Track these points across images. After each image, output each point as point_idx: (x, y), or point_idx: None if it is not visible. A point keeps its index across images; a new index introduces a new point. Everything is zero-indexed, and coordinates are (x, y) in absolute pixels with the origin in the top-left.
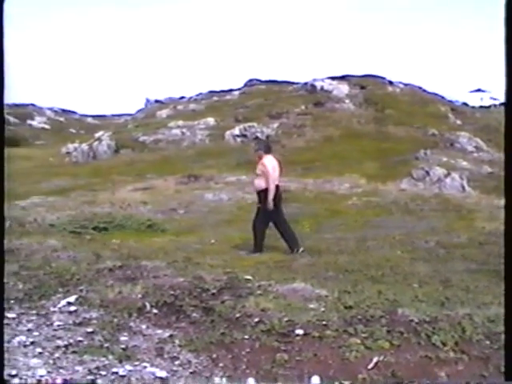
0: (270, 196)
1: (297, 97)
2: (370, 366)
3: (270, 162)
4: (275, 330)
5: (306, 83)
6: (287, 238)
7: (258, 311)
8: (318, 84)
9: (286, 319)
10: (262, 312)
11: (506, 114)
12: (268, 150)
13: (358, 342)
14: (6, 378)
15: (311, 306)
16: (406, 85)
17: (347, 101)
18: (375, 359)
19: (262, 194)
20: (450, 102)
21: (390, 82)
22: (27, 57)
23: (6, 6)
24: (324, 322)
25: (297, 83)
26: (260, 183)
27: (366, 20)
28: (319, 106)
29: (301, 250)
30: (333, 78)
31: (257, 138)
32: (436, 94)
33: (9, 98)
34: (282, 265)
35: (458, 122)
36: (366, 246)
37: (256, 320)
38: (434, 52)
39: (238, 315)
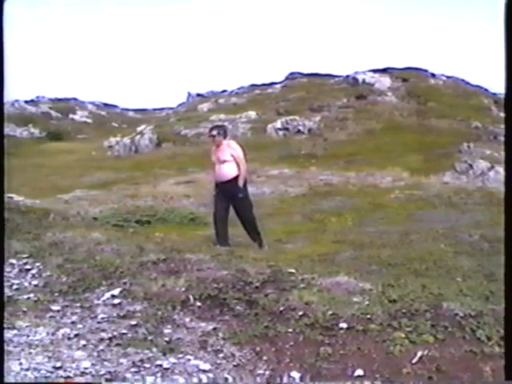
0: (241, 181)
1: (339, 90)
2: (414, 361)
3: (240, 147)
4: (319, 323)
5: (347, 76)
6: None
7: (302, 304)
8: (360, 77)
9: (329, 313)
10: (306, 305)
11: (506, 113)
12: (226, 135)
13: (403, 336)
14: (50, 369)
15: (355, 299)
16: (448, 77)
17: (389, 94)
18: (419, 353)
19: (232, 182)
20: (494, 94)
21: (433, 75)
22: (69, 51)
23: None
24: (368, 316)
25: (338, 76)
26: (231, 170)
27: (408, 11)
28: (361, 99)
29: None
30: (375, 71)
31: (217, 125)
32: (479, 87)
33: (51, 93)
34: (324, 258)
35: (502, 114)
36: (409, 240)
37: (300, 313)
38: (477, 43)
39: (281, 308)
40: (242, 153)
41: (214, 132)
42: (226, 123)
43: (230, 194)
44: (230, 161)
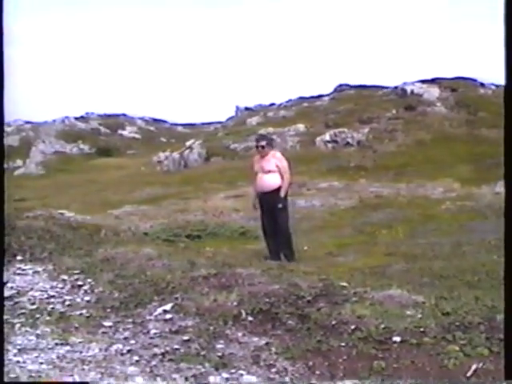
0: (283, 192)
1: (387, 101)
2: (468, 374)
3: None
4: (372, 337)
5: (396, 87)
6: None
7: (355, 318)
8: (409, 88)
9: (382, 326)
10: (359, 319)
11: (506, 113)
12: (273, 146)
13: (457, 349)
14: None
15: (408, 312)
16: (497, 86)
17: (438, 104)
18: (474, 366)
19: (274, 192)
20: None
21: (482, 84)
22: (119, 67)
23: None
24: (421, 329)
25: (387, 87)
26: (275, 180)
27: (456, 19)
28: (410, 109)
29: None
30: (423, 82)
31: (262, 135)
32: None
33: (101, 109)
34: (376, 271)
35: None
36: (461, 251)
37: (352, 327)
38: None
39: (334, 322)
40: (288, 164)
41: (263, 142)
42: (274, 136)
43: (270, 204)
44: (274, 171)
